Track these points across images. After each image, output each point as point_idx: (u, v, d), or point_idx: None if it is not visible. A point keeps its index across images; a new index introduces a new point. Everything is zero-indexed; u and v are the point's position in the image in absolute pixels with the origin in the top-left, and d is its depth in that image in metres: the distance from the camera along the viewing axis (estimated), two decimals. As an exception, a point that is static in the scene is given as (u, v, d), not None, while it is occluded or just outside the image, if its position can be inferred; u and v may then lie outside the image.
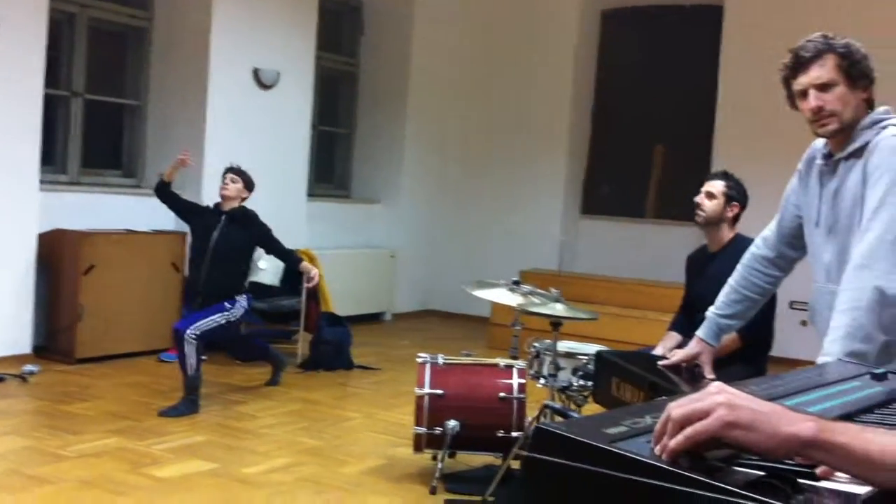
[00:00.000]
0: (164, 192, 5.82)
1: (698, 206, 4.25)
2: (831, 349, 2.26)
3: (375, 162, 9.20)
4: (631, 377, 2.99)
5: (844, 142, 2.53)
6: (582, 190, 9.20)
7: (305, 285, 6.27)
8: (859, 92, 2.49)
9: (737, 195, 4.25)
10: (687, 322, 4.34)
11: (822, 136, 2.58)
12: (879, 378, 1.69)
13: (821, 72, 2.49)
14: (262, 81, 7.63)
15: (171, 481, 4.08)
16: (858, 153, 2.48)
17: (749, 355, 3.98)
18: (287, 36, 7.81)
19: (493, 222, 9.17)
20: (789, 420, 1.00)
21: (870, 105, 2.53)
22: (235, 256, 5.65)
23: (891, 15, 6.88)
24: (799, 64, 2.52)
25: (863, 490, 0.99)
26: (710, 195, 4.25)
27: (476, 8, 9.25)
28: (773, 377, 1.71)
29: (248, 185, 5.74)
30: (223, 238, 5.59)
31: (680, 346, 4.15)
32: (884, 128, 2.46)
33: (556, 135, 8.92)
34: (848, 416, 1.39)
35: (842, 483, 1.01)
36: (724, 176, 4.34)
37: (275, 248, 5.73)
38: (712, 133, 8.12)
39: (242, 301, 5.59)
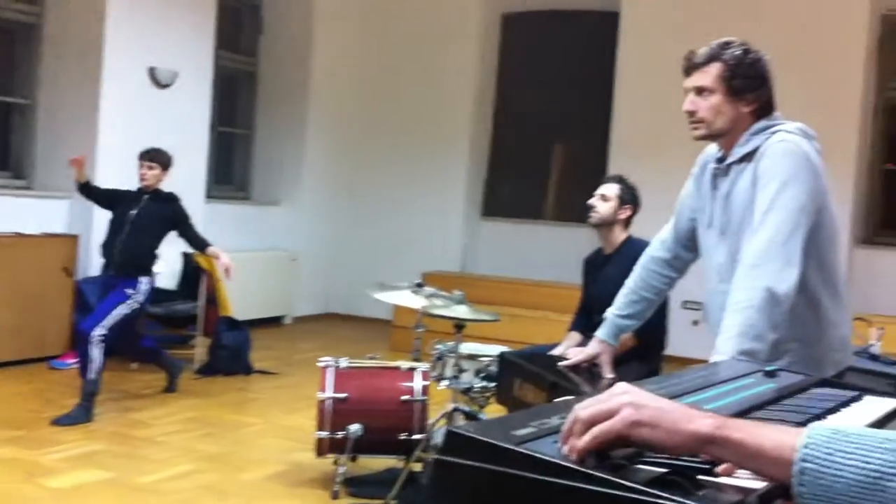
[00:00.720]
0: (87, 192, 5.85)
1: (592, 208, 4.37)
2: (724, 348, 2.33)
3: (276, 163, 9.09)
4: (533, 378, 3.03)
5: (734, 146, 2.62)
6: (483, 191, 9.28)
7: (223, 267, 6.13)
8: (742, 104, 2.55)
9: (629, 198, 4.38)
10: (586, 322, 4.43)
11: (695, 139, 2.67)
12: (771, 375, 1.76)
13: (703, 78, 2.56)
14: (159, 80, 7.46)
15: (66, 491, 3.96)
16: (749, 157, 2.57)
17: (644, 354, 4.08)
18: (184, 34, 7.65)
19: (395, 224, 9.17)
20: (690, 418, 1.04)
21: (764, 111, 2.61)
22: (151, 230, 5.68)
23: (782, 23, 7.16)
24: (689, 66, 2.60)
25: (759, 485, 1.03)
26: (604, 198, 4.36)
27: (377, 9, 9.24)
28: (670, 376, 1.76)
29: (166, 166, 5.79)
30: (143, 212, 5.67)
31: (580, 345, 4.25)
32: (773, 133, 2.55)
33: (458, 136, 8.98)
34: (742, 413, 1.45)
35: (740, 478, 1.05)
36: (618, 179, 4.47)
37: (189, 232, 5.81)
38: (608, 135, 8.30)
39: (144, 284, 5.50)
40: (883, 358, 3.55)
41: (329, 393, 4.15)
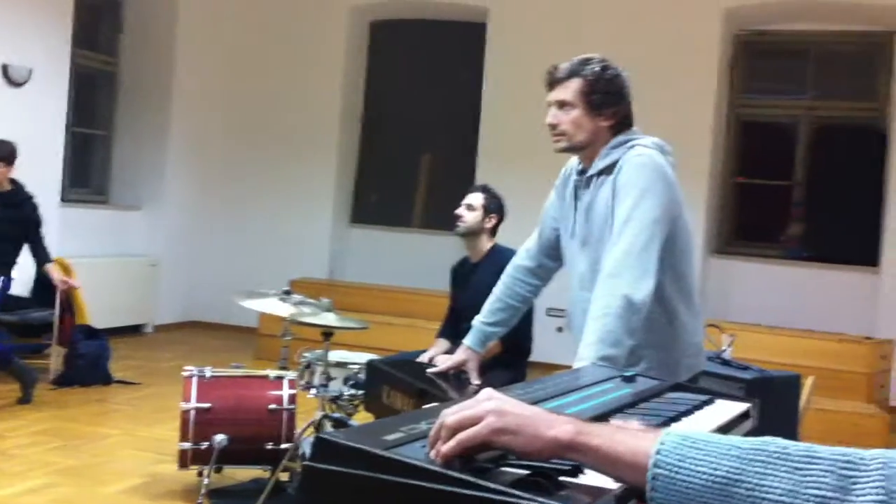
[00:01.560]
0: None
1: (458, 217, 4.44)
2: (585, 354, 2.41)
3: (136, 166, 8.82)
4: (401, 385, 3.05)
5: (595, 159, 2.71)
6: (352, 198, 9.26)
7: (60, 288, 5.92)
8: (600, 118, 2.65)
9: (495, 207, 4.47)
10: (454, 329, 4.49)
11: (556, 151, 2.76)
12: (628, 380, 1.83)
13: (564, 93, 2.65)
14: (13, 78, 7.13)
15: None
16: (609, 170, 2.66)
17: (510, 360, 4.17)
18: (40, 30, 7.35)
19: (261, 230, 9.04)
20: (550, 424, 1.08)
21: (623, 126, 2.71)
22: (9, 235, 5.53)
23: (640, 41, 7.43)
24: (551, 81, 2.69)
25: (615, 486, 1.08)
26: (470, 207, 4.44)
27: (243, 12, 9.11)
28: (535, 381, 1.81)
29: (6, 159, 5.55)
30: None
31: (448, 352, 4.30)
32: (631, 147, 2.66)
33: (326, 143, 8.93)
34: (601, 417, 1.51)
35: (598, 480, 1.10)
36: (483, 189, 4.56)
37: (36, 239, 5.65)
38: (476, 145, 8.43)
39: None
40: (734, 363, 3.74)
41: (193, 403, 4.06)
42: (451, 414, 1.11)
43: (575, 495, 1.04)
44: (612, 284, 2.48)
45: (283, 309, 4.20)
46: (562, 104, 2.67)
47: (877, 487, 0.93)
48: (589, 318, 2.49)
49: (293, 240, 8.87)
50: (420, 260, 8.47)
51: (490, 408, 1.09)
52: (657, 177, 2.58)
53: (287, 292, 4.35)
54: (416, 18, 9.02)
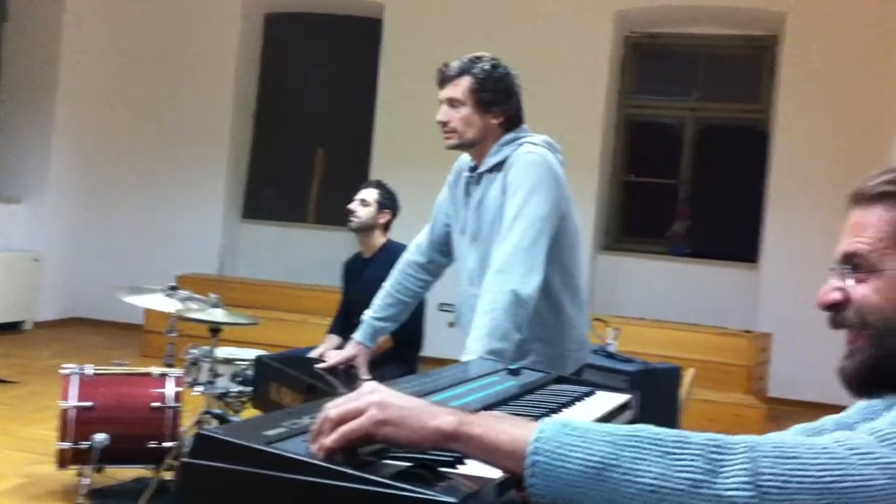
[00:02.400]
0: None
1: (352, 212, 4.43)
2: (473, 348, 2.43)
3: (17, 158, 8.47)
4: (289, 381, 3.03)
5: (486, 156, 2.74)
6: (244, 193, 9.11)
7: None
8: (490, 116, 2.69)
9: (388, 202, 4.48)
10: (345, 325, 4.47)
11: (447, 148, 2.78)
12: (514, 373, 1.86)
13: (454, 91, 2.69)
14: None
15: None
16: (499, 167, 2.69)
17: (401, 355, 4.17)
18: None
19: (149, 225, 8.80)
20: (433, 415, 1.09)
21: (512, 123, 2.74)
22: None
23: (533, 42, 7.53)
24: (442, 79, 2.73)
25: (496, 475, 1.10)
26: (364, 202, 4.44)
27: (133, 1, 8.85)
28: (423, 375, 1.82)
29: None
30: None
31: (339, 347, 4.28)
32: (521, 144, 2.70)
33: (218, 136, 8.76)
34: (486, 409, 1.52)
35: (479, 469, 1.11)
36: (377, 184, 4.57)
37: None
38: (371, 139, 8.40)
39: None
40: (619, 356, 3.83)
41: (73, 402, 3.93)
42: (334, 407, 1.11)
43: (456, 485, 1.05)
44: (501, 280, 2.51)
45: (168, 305, 4.10)
46: (452, 102, 2.70)
47: (742, 469, 0.98)
48: (477, 313, 2.51)
49: (182, 235, 8.67)
50: (313, 255, 8.39)
51: (373, 400, 1.09)
52: (546, 174, 2.62)
53: (173, 288, 4.25)
54: (312, 12, 8.93)
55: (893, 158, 6.14)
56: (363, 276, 4.39)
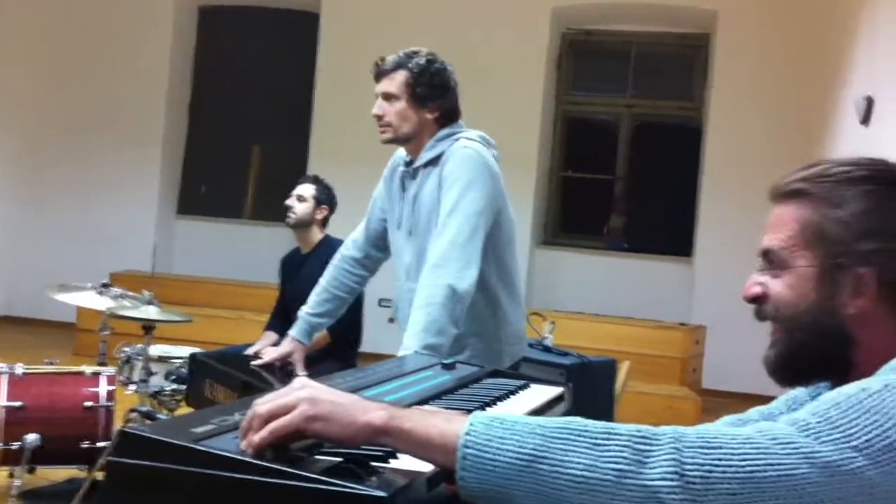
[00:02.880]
0: None
1: (289, 208, 4.40)
2: (409, 343, 2.43)
3: (-58, 152, 8.24)
4: (224, 378, 3.00)
5: (421, 151, 2.74)
6: (179, 189, 8.98)
7: None
8: (425, 111, 2.69)
9: (325, 198, 4.45)
10: (282, 322, 4.43)
11: (382, 142, 2.78)
12: (449, 368, 1.86)
13: (389, 85, 2.69)
14: None
15: None
16: (435, 162, 2.70)
17: (339, 351, 4.16)
18: None
19: (80, 222, 8.61)
20: (363, 410, 1.08)
21: (448, 118, 2.75)
22: None
23: (470, 37, 7.54)
24: (378, 73, 2.73)
25: (427, 469, 1.10)
26: (301, 198, 4.41)
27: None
28: (358, 370, 1.82)
29: None
30: None
31: (276, 344, 4.25)
32: (457, 139, 2.70)
33: (151, 132, 8.61)
34: (420, 403, 1.52)
35: (410, 463, 1.11)
36: (314, 179, 4.54)
37: None
38: (309, 135, 8.34)
39: None
40: (555, 349, 3.87)
41: (2, 402, 3.83)
42: (263, 403, 1.10)
43: (387, 479, 1.05)
44: (437, 274, 2.51)
45: (100, 302, 4.03)
46: (387, 96, 2.70)
47: (668, 459, 0.99)
48: (414, 308, 2.52)
49: (116, 232, 8.50)
50: (250, 252, 8.30)
51: (303, 396, 1.09)
52: (482, 169, 2.63)
53: (106, 285, 4.18)
54: (248, 5, 8.83)
55: (823, 154, 6.29)
56: (301, 272, 4.36)
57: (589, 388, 3.64)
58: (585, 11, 8.10)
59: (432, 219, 2.66)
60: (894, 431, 0.99)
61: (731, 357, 7.11)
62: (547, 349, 3.86)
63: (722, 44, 7.57)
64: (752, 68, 7.40)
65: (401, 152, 2.88)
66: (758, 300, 1.25)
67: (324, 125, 8.24)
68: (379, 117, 2.71)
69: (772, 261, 1.23)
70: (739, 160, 7.37)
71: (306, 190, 4.43)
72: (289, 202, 4.42)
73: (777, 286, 1.23)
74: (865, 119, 4.98)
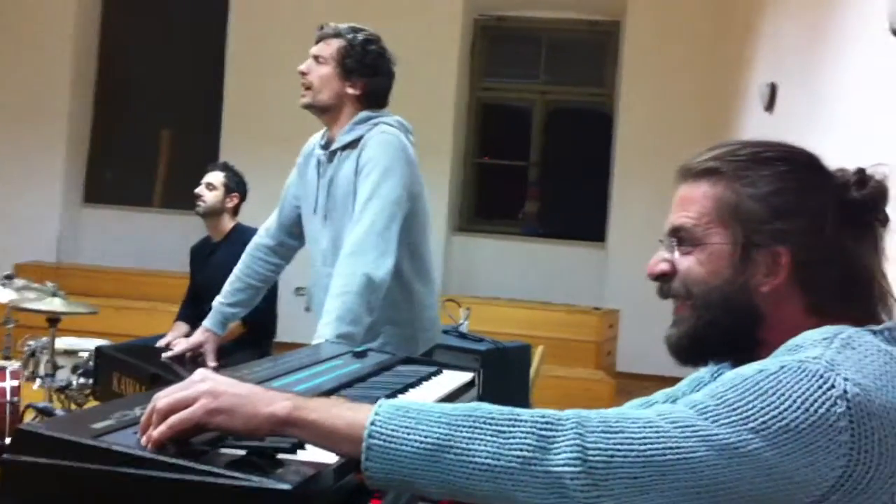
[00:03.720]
0: None
1: (198, 197, 4.32)
2: (324, 331, 2.41)
3: None
4: (132, 371, 2.93)
5: (339, 133, 2.72)
6: (84, 175, 8.71)
7: None
8: (349, 84, 2.70)
9: (236, 186, 4.38)
10: (194, 312, 4.36)
11: (301, 106, 2.76)
12: (360, 356, 1.85)
13: (323, 49, 2.71)
14: None
15: None
16: (353, 145, 2.68)
17: (253, 340, 4.10)
18: None
19: (-20, 211, 8.31)
20: (267, 401, 1.07)
21: (371, 102, 2.74)
22: None
23: (383, 24, 7.48)
24: (318, 36, 2.76)
25: (334, 459, 1.09)
26: (210, 186, 4.33)
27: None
28: (270, 359, 1.80)
29: None
30: None
31: (188, 335, 4.17)
32: (376, 125, 2.69)
33: (55, 117, 8.32)
34: (330, 392, 1.51)
35: (316, 454, 1.10)
36: (224, 167, 4.46)
37: None
38: (220, 121, 8.19)
39: None
40: (470, 335, 3.88)
41: None
42: (163, 397, 1.08)
43: (292, 471, 1.04)
44: (353, 263, 2.50)
45: (3, 295, 3.89)
46: (318, 58, 2.72)
47: (571, 445, 1.00)
48: (329, 296, 2.50)
49: (18, 220, 8.20)
50: (161, 241, 8.11)
51: (204, 389, 1.07)
52: (400, 156, 2.63)
53: (8, 277, 4.04)
54: (154, -12, 8.62)
55: (733, 138, 6.45)
56: (211, 261, 4.29)
57: (504, 373, 3.67)
58: (498, -3, 8.14)
59: (348, 203, 2.64)
60: (790, 413, 1.01)
61: (644, 340, 7.16)
62: (462, 335, 3.87)
63: (631, 30, 7.68)
64: (660, 55, 7.53)
65: (315, 137, 2.86)
66: (664, 277, 1.25)
67: (236, 110, 8.10)
68: (303, 74, 2.72)
69: (682, 238, 1.23)
70: (650, 145, 7.50)
71: (216, 178, 4.35)
72: (198, 190, 4.34)
73: (687, 263, 1.22)
74: (769, 105, 5.11)
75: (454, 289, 7.38)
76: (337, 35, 2.72)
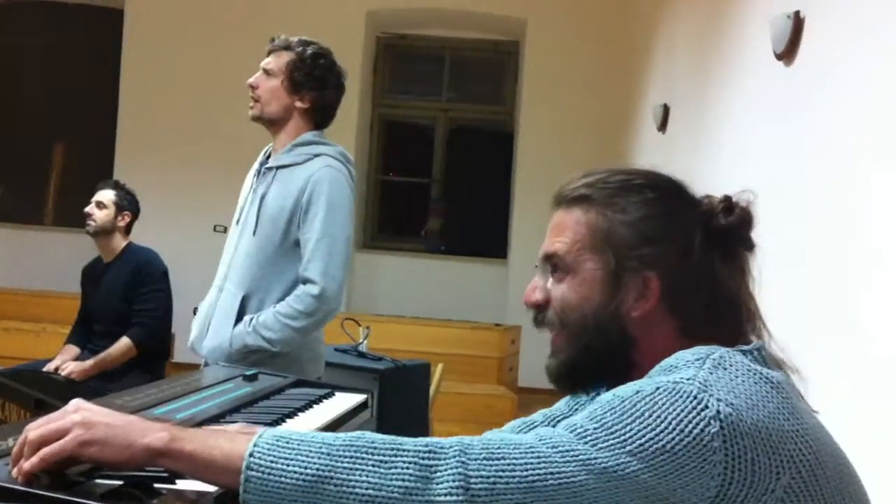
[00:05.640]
0: None
1: (88, 216, 4.20)
2: (246, 336, 2.49)
3: None
4: (16, 397, 2.82)
5: (280, 151, 2.71)
6: (-28, 193, 8.39)
7: None
8: (297, 98, 2.69)
9: (127, 204, 4.27)
10: (84, 334, 4.24)
11: (250, 118, 2.75)
12: (251, 379, 1.82)
13: (272, 62, 2.71)
14: None
15: None
16: (292, 167, 2.67)
17: (146, 363, 4.01)
18: None
19: None
20: (143, 432, 1.04)
21: (318, 118, 2.75)
22: None
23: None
24: (269, 49, 2.75)
25: (214, 489, 1.07)
26: (101, 205, 4.22)
27: None
28: (155, 384, 1.75)
29: None
30: None
31: (78, 358, 4.05)
32: (318, 156, 2.68)
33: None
34: (216, 418, 1.48)
35: (196, 483, 1.07)
36: (114, 185, 4.36)
37: None
38: (115, 134, 7.98)
39: None
40: (369, 354, 3.86)
41: None
42: (35, 428, 1.04)
43: (170, 501, 1.01)
44: (312, 294, 2.55)
45: None
46: (267, 71, 2.71)
47: (454, 473, 1.00)
48: (279, 306, 2.53)
49: None
50: (52, 260, 7.85)
51: (76, 420, 1.03)
52: (348, 193, 2.67)
53: None
54: (42, 0, 8.36)
55: (627, 157, 6.59)
56: (103, 281, 4.18)
57: (403, 391, 3.66)
58: (400, 16, 8.16)
59: (275, 224, 2.63)
60: (665, 434, 1.03)
61: (545, 355, 7.30)
62: (361, 354, 3.85)
63: (531, 51, 7.80)
64: (559, 75, 7.66)
65: (268, 149, 2.82)
66: (538, 307, 1.26)
67: (130, 125, 7.91)
68: (252, 88, 2.71)
69: (556, 265, 1.24)
70: (549, 164, 7.60)
71: (106, 196, 4.24)
72: (88, 209, 4.21)
73: (561, 290, 1.23)
74: (662, 126, 5.25)
75: (356, 306, 7.35)
76: (287, 48, 2.71)
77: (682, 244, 1.20)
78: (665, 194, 1.23)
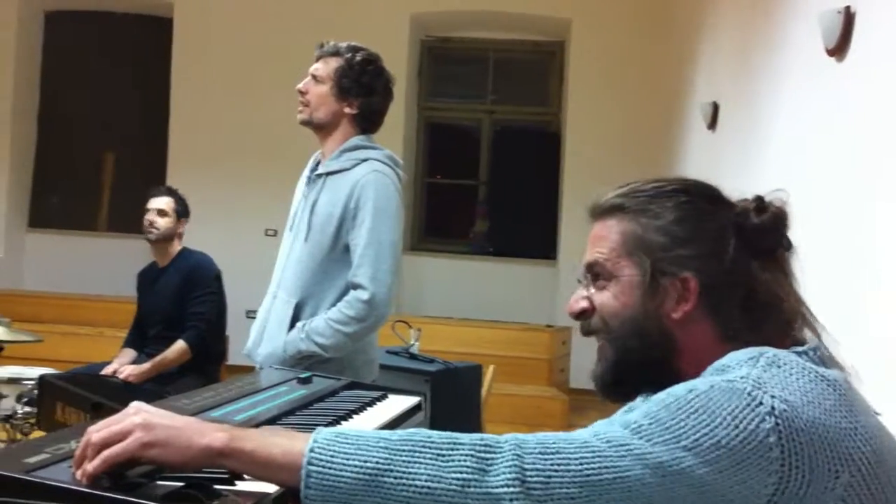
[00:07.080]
0: None
1: (151, 223, 4.26)
2: (298, 341, 2.51)
3: None
4: (74, 400, 2.88)
5: (329, 150, 2.74)
6: (29, 200, 8.57)
7: None
8: (345, 104, 2.70)
9: (184, 211, 4.35)
10: (140, 337, 4.31)
11: (299, 122, 2.77)
12: (305, 382, 1.84)
13: (321, 68, 2.73)
14: None
15: None
16: (340, 174, 2.69)
17: (199, 366, 4.07)
18: None
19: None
20: (202, 433, 1.06)
21: (366, 123, 2.76)
22: None
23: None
24: (318, 54, 2.76)
25: (272, 489, 1.08)
26: (162, 213, 4.28)
27: None
28: (212, 387, 1.78)
29: None
30: None
31: (135, 361, 4.13)
32: (365, 160, 2.69)
33: (-3, 141, 8.19)
34: (273, 420, 1.50)
35: (255, 484, 1.09)
36: (169, 191, 4.42)
37: None
38: (166, 141, 8.11)
39: None
40: (420, 356, 3.89)
41: None
42: (97, 431, 1.07)
43: (231, 502, 1.03)
44: (363, 299, 2.57)
45: (-61, 324, 3.81)
46: (316, 77, 2.72)
47: (510, 466, 1.02)
48: (331, 312, 2.55)
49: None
50: (107, 265, 8.00)
51: (137, 422, 1.06)
52: (394, 197, 2.68)
53: (-52, 305, 3.95)
54: (95, 10, 8.52)
55: (675, 158, 6.54)
56: (157, 285, 4.25)
57: (455, 393, 3.67)
58: (443, 18, 8.18)
59: (325, 231, 2.65)
60: (721, 430, 1.03)
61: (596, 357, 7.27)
62: (413, 356, 3.87)
63: (576, 51, 7.76)
64: (605, 75, 7.62)
65: (317, 156, 2.85)
66: (584, 315, 1.29)
67: (181, 133, 8.03)
68: (301, 93, 2.73)
69: (597, 274, 1.27)
70: (597, 163, 7.56)
71: (167, 203, 4.31)
72: (150, 217, 4.28)
73: (602, 298, 1.26)
74: (712, 124, 5.19)
75: (406, 308, 7.37)
76: (335, 54, 2.73)
77: (717, 245, 1.21)
78: (697, 197, 1.25)
